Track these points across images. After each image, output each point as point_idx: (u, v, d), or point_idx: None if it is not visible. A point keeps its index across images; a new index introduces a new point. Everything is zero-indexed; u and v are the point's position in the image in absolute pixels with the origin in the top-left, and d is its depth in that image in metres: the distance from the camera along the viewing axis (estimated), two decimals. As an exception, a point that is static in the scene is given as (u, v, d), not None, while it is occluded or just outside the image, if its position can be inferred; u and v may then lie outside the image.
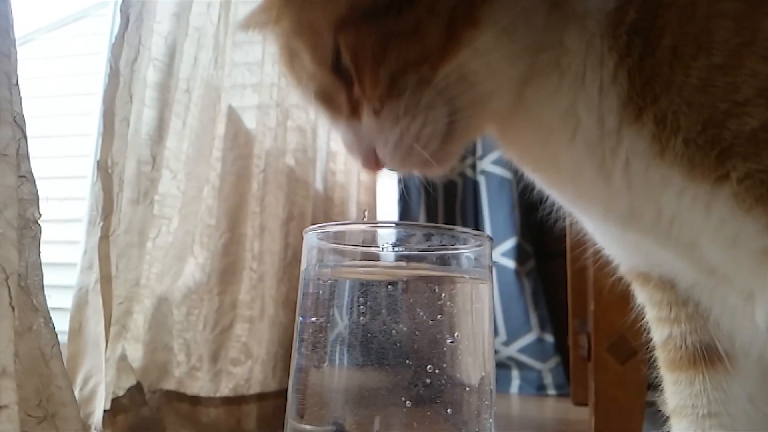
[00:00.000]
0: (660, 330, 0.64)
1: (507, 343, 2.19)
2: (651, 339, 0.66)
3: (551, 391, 2.13)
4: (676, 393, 0.62)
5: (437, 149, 0.52)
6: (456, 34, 0.49)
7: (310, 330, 0.52)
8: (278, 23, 0.57)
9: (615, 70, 0.47)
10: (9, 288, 0.52)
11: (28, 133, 0.60)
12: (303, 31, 0.54)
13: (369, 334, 0.49)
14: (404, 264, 0.53)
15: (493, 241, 0.57)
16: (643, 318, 0.67)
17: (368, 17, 0.50)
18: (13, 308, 0.53)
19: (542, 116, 0.52)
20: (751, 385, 0.59)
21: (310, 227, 0.55)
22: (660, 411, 0.66)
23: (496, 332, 2.18)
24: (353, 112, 0.54)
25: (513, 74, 0.52)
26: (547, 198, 0.63)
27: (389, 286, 0.50)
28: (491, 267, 0.56)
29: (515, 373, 2.19)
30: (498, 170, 2.34)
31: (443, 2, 0.49)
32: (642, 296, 0.66)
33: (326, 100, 0.55)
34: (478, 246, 0.54)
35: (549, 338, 2.17)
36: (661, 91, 0.45)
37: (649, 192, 0.48)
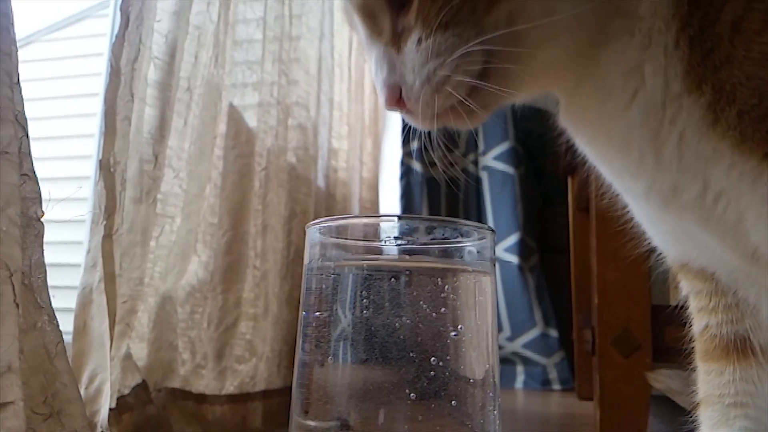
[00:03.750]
0: (699, 320, 0.65)
1: (511, 339, 2.19)
2: (691, 332, 0.67)
3: (556, 386, 2.13)
4: (706, 382, 0.63)
5: (466, 96, 0.52)
6: None
7: (314, 325, 0.52)
8: None
9: (677, 35, 0.47)
10: (13, 285, 0.53)
11: (31, 135, 0.61)
12: None
13: (372, 328, 0.49)
14: (407, 257, 0.53)
15: (496, 235, 0.57)
16: (687, 309, 0.68)
17: None
18: (18, 305, 0.53)
19: (604, 77, 0.52)
20: None
21: (313, 222, 0.55)
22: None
23: (500, 328, 2.18)
24: (394, 39, 0.53)
25: (575, 33, 0.52)
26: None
27: (392, 280, 0.50)
28: (494, 259, 0.56)
29: (520, 369, 2.19)
30: (501, 166, 2.34)
31: None
32: (686, 288, 0.66)
33: (369, 17, 0.55)
34: (481, 238, 0.54)
35: (553, 333, 2.17)
36: (721, 63, 0.45)
37: (698, 166, 0.48)
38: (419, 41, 0.51)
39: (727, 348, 0.62)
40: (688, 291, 0.66)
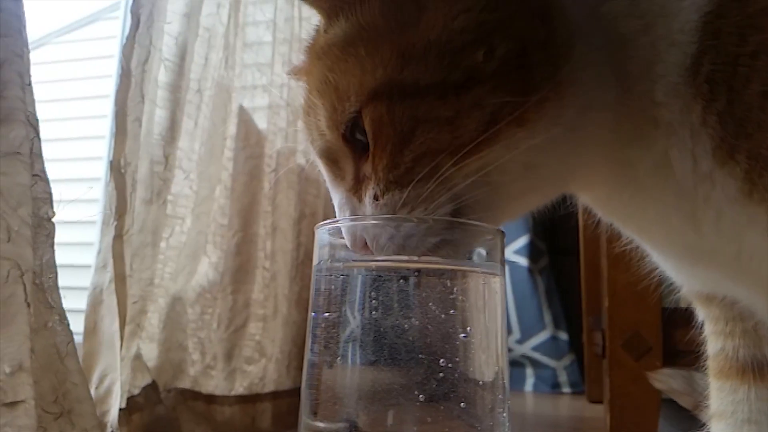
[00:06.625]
0: (714, 343, 0.66)
1: (521, 341, 2.18)
2: (706, 352, 0.68)
3: (566, 389, 2.12)
4: (719, 398, 0.64)
5: (437, 243, 0.50)
6: (495, 131, 0.47)
7: (323, 326, 0.52)
8: (307, 75, 0.56)
9: (703, 114, 0.47)
10: (24, 285, 0.53)
11: (43, 136, 0.61)
12: (327, 90, 0.52)
13: (381, 330, 0.49)
14: (416, 258, 0.53)
15: (505, 236, 0.57)
16: (702, 333, 0.69)
17: (404, 95, 0.48)
18: (29, 305, 0.53)
19: (633, 174, 0.52)
20: None
21: (322, 223, 0.55)
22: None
23: (510, 330, 2.17)
24: (356, 185, 0.52)
25: (588, 162, 0.53)
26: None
27: (401, 281, 0.50)
28: (503, 261, 0.55)
29: (530, 371, 2.18)
30: (510, 168, 2.33)
31: (492, 99, 0.47)
32: (702, 314, 0.67)
33: (332, 161, 0.54)
34: (491, 240, 0.54)
35: (563, 336, 2.16)
36: (753, 130, 0.46)
37: (733, 232, 0.49)
38: (375, 197, 0.50)
39: (742, 369, 0.63)
40: (704, 317, 0.67)
